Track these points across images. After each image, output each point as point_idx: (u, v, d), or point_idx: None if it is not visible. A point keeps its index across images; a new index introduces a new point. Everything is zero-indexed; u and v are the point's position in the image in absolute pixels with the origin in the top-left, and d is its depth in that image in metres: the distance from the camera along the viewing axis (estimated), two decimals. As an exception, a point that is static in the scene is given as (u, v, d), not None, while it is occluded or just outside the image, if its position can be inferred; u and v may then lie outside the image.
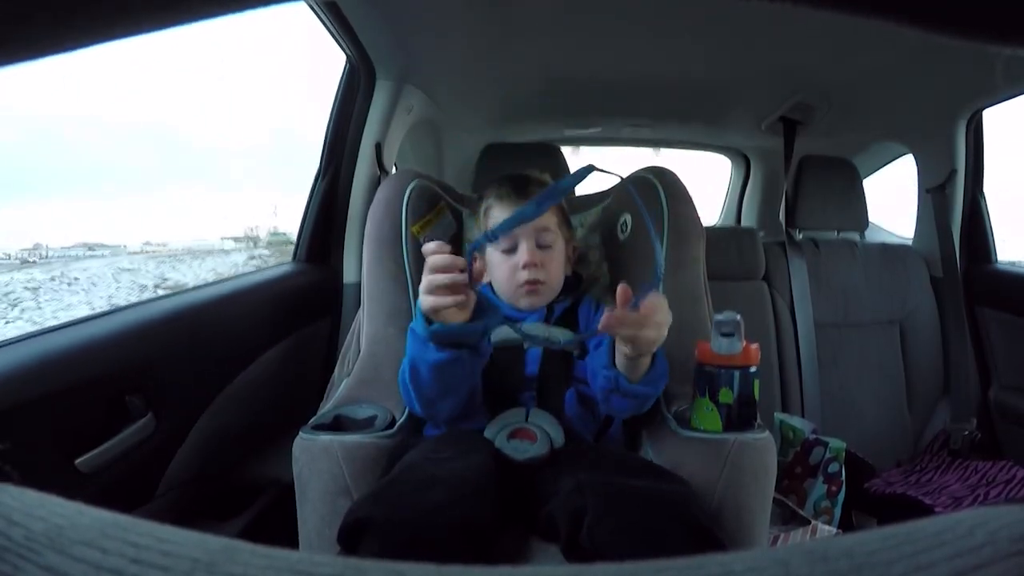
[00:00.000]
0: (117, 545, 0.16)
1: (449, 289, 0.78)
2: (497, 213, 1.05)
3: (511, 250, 1.03)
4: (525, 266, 1.01)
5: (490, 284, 1.08)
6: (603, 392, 0.89)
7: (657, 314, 0.78)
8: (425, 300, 0.79)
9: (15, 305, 1.72)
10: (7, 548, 0.16)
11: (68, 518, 0.17)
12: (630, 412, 0.92)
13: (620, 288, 0.77)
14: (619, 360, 0.85)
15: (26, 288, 1.80)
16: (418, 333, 0.84)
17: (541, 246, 1.03)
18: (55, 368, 0.82)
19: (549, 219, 1.05)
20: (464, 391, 0.90)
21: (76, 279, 1.98)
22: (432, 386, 0.87)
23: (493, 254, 1.05)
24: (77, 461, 0.83)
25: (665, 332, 0.80)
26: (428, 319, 0.82)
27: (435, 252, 0.79)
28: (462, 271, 0.79)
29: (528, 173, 1.11)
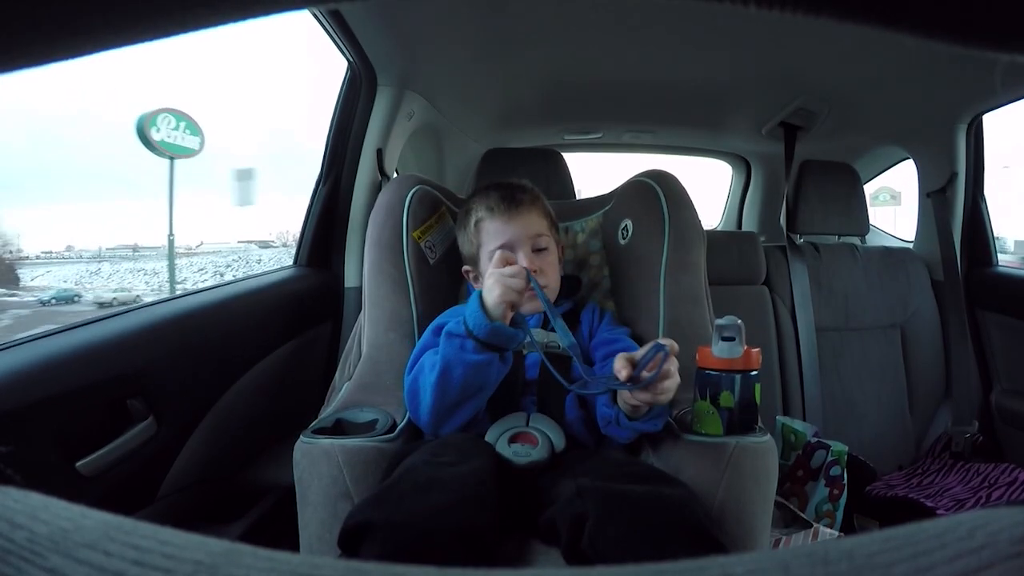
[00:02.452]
0: (120, 548, 0.16)
1: (518, 293, 0.86)
2: (489, 226, 1.05)
3: None
4: None
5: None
6: (603, 421, 0.90)
7: (672, 375, 0.79)
8: (503, 295, 0.85)
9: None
10: (10, 551, 0.16)
11: (71, 521, 0.17)
12: (629, 440, 0.92)
13: (621, 362, 0.80)
14: (623, 403, 0.85)
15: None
16: (455, 336, 0.87)
17: (536, 250, 1.04)
18: (57, 371, 0.82)
19: (541, 224, 1.06)
20: (485, 398, 0.91)
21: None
22: (461, 389, 0.88)
23: (489, 263, 1.03)
24: (78, 464, 0.83)
25: (678, 379, 0.80)
26: (486, 318, 0.86)
27: (506, 261, 0.90)
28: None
29: (513, 180, 1.11)
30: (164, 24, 0.17)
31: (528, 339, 0.90)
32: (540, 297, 0.89)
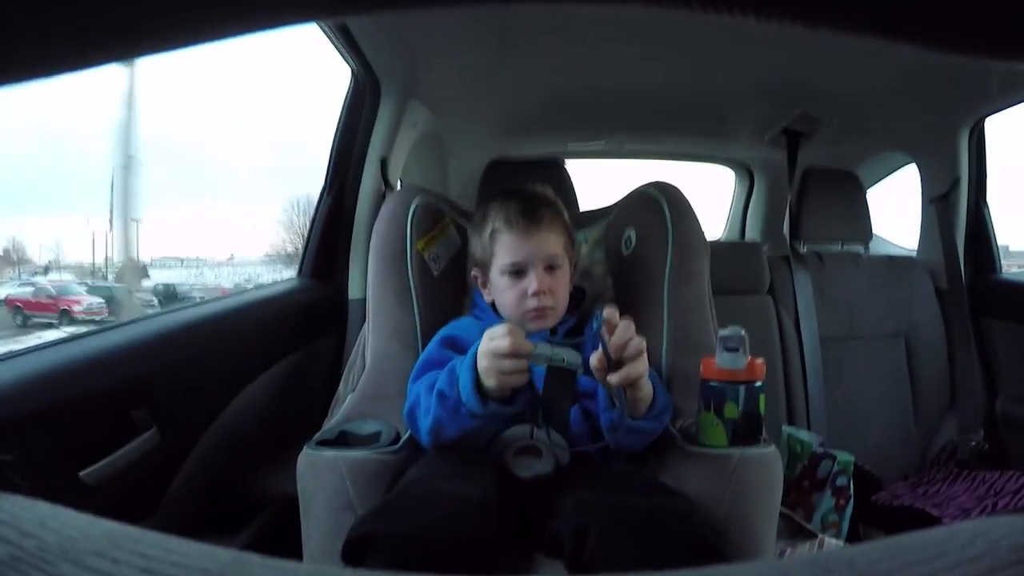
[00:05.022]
0: (128, 556, 0.16)
1: (514, 374, 0.80)
2: (504, 239, 1.01)
3: (519, 274, 1.01)
4: (535, 294, 0.99)
5: (492, 304, 1.08)
6: (608, 430, 0.89)
7: (632, 341, 0.80)
8: (492, 378, 0.80)
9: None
10: (19, 558, 0.16)
11: (80, 529, 0.18)
12: (639, 446, 0.92)
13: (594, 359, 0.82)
14: (616, 398, 0.85)
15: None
16: (449, 398, 0.84)
17: (549, 268, 1.02)
18: (62, 381, 0.83)
19: (557, 244, 1.03)
20: (482, 441, 0.91)
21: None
22: (457, 439, 0.87)
23: (499, 277, 1.02)
24: (82, 473, 0.83)
25: (644, 360, 0.82)
26: (480, 393, 0.82)
27: (505, 335, 0.80)
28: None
29: (534, 191, 1.09)
30: (172, 38, 0.18)
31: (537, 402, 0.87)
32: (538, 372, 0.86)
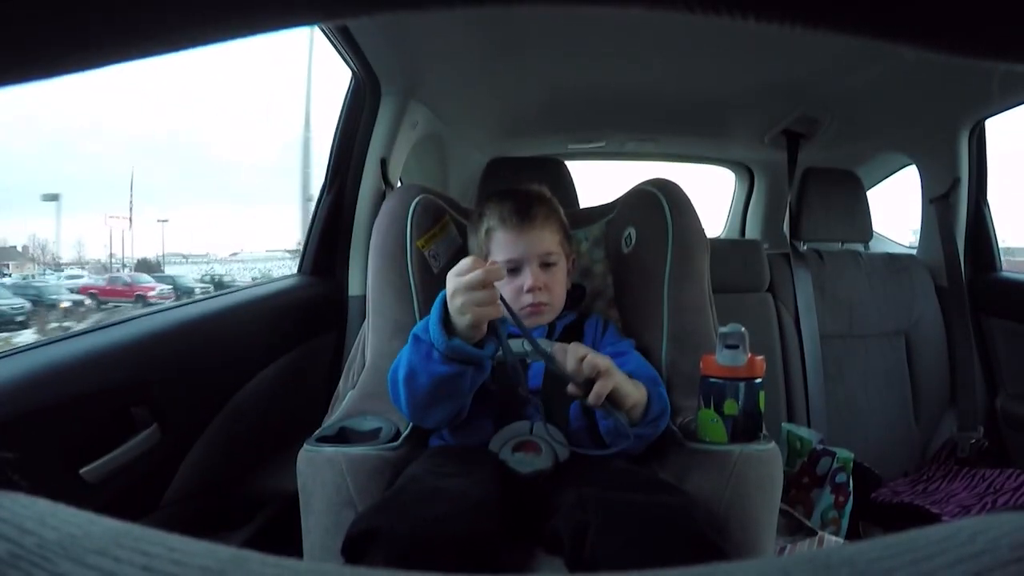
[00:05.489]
0: (129, 554, 0.16)
1: (487, 305, 0.80)
2: (499, 237, 1.03)
3: (514, 270, 1.02)
4: (530, 290, 1.00)
5: None
6: (607, 436, 0.90)
7: (586, 360, 0.82)
8: (467, 313, 0.79)
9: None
10: (20, 556, 0.16)
11: (80, 527, 0.18)
12: (640, 449, 0.92)
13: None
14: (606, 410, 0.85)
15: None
16: (423, 342, 0.83)
17: (544, 265, 1.03)
18: (62, 378, 0.83)
19: (552, 242, 1.04)
20: (456, 405, 0.90)
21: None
22: (427, 395, 0.86)
23: None
24: (82, 471, 0.83)
25: (612, 374, 0.83)
26: (446, 329, 0.81)
27: (472, 268, 0.79)
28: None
29: (529, 189, 1.10)
30: (174, 39, 0.18)
31: (499, 352, 0.84)
32: (507, 327, 0.85)
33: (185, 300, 1.27)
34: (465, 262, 0.81)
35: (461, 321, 0.80)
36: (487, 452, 0.89)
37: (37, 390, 0.79)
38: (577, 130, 2.09)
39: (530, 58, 1.45)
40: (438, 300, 0.83)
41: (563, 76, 1.57)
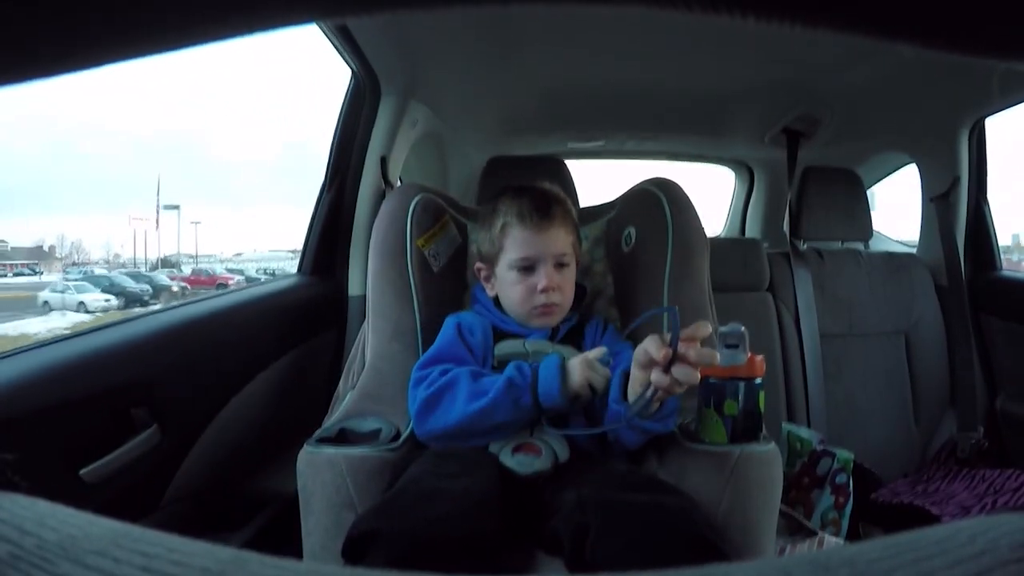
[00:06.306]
0: (129, 555, 0.16)
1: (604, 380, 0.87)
2: (516, 234, 1.01)
3: (527, 269, 1.01)
4: (544, 290, 1.00)
5: (495, 299, 1.08)
6: (611, 419, 0.89)
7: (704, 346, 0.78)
8: (591, 381, 0.86)
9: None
10: (19, 557, 0.16)
11: (80, 528, 0.18)
12: (637, 444, 0.92)
13: (655, 345, 0.77)
14: (632, 396, 0.83)
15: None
16: (519, 384, 0.88)
17: (559, 266, 1.02)
18: (61, 379, 0.83)
19: (567, 241, 1.04)
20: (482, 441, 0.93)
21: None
22: (493, 429, 0.90)
23: (507, 272, 1.03)
24: (82, 471, 0.83)
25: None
26: (562, 395, 0.86)
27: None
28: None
29: (544, 187, 1.09)
30: (174, 39, 0.18)
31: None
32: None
33: (187, 300, 1.27)
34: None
35: (576, 379, 0.87)
36: (487, 453, 0.89)
37: (37, 390, 0.79)
38: (577, 129, 2.09)
39: (530, 57, 1.45)
40: (554, 364, 0.88)
41: (562, 75, 1.57)
